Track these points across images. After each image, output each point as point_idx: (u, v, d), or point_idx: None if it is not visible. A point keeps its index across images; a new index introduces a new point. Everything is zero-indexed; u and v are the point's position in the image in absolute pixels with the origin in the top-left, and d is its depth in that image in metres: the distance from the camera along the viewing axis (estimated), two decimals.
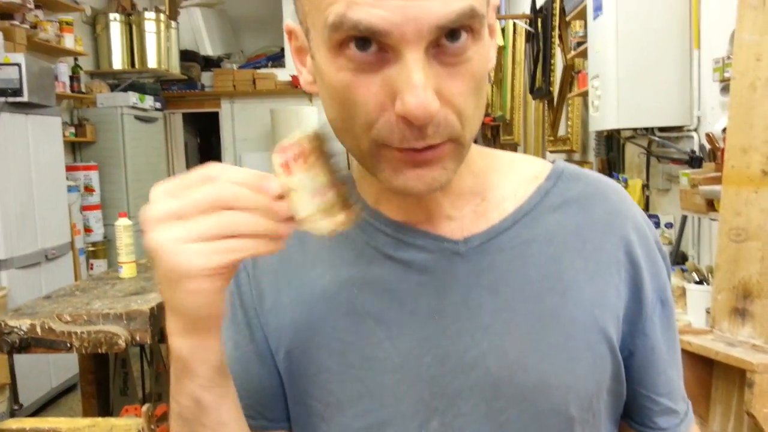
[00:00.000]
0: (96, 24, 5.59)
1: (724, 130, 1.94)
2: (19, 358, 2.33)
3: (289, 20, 0.59)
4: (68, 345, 1.95)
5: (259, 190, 0.47)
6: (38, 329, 1.95)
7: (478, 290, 0.59)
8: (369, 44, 0.48)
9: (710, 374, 1.67)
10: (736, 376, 1.57)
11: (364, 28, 0.46)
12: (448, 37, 0.48)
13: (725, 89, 2.18)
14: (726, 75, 2.15)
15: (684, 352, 1.64)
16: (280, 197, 0.47)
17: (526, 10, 4.67)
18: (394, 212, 0.61)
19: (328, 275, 0.61)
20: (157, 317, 2.03)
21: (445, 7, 0.47)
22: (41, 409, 3.77)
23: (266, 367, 0.63)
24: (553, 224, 0.61)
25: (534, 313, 0.58)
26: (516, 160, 0.67)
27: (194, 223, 0.45)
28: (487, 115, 5.56)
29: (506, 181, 0.63)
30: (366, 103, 0.50)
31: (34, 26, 4.27)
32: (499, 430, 0.57)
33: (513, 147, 5.43)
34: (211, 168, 0.47)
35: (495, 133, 5.87)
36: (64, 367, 3.91)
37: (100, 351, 1.96)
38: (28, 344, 1.97)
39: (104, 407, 2.49)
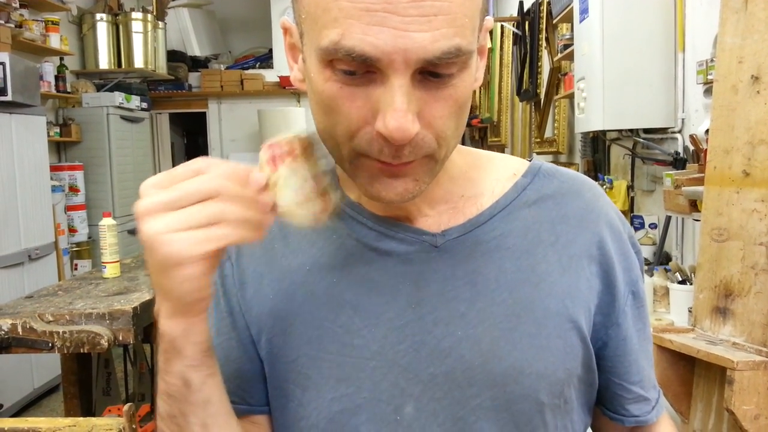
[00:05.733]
0: (82, 24, 5.55)
1: (707, 131, 1.96)
2: (0, 359, 2.30)
3: (286, 17, 0.60)
4: (50, 345, 1.93)
5: (244, 183, 0.51)
6: (19, 329, 1.93)
7: (455, 281, 0.61)
8: (355, 71, 0.50)
9: (692, 372, 1.69)
10: (717, 373, 1.58)
11: (356, 56, 0.49)
12: (432, 70, 0.50)
13: (708, 91, 2.20)
14: (709, 77, 2.18)
15: (666, 350, 1.67)
16: (264, 189, 0.52)
17: (514, 12, 4.69)
18: (376, 207, 0.64)
19: (309, 265, 0.63)
20: (140, 317, 2.02)
21: (433, 44, 0.49)
22: (23, 410, 3.73)
23: (247, 353, 0.65)
24: (528, 219, 0.64)
25: (508, 303, 0.60)
26: (494, 158, 0.70)
27: (182, 212, 0.49)
28: (474, 117, 5.58)
29: (485, 178, 0.66)
30: (349, 114, 0.52)
31: (19, 25, 4.23)
32: (472, 415, 0.59)
33: (500, 148, 5.45)
34: (198, 162, 0.51)
35: (482, 134, 5.89)
36: (47, 367, 3.87)
37: (82, 351, 1.95)
38: (8, 344, 1.95)
39: (87, 408, 2.47)
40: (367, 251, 0.62)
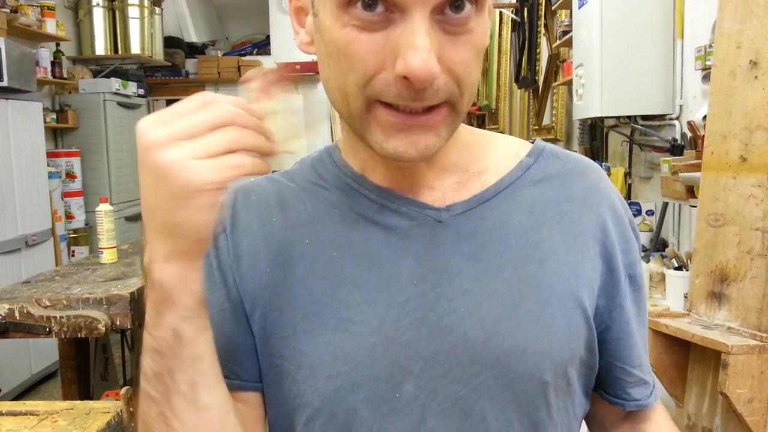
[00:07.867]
0: (78, 9, 5.50)
1: (705, 118, 1.96)
2: None
3: None
4: (47, 330, 1.93)
5: (250, 112, 0.50)
6: (16, 314, 1.93)
7: (459, 257, 0.60)
8: (376, 4, 0.49)
9: (687, 356, 1.69)
10: (712, 357, 1.59)
11: None
12: (452, 8, 0.50)
13: (707, 77, 2.20)
14: (708, 63, 2.17)
15: (661, 334, 1.68)
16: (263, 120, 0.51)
17: None
18: (379, 180, 0.62)
19: (308, 239, 0.62)
20: (137, 302, 2.02)
21: None
22: (21, 395, 3.74)
23: (240, 327, 0.62)
24: (533, 197, 0.63)
25: (512, 281, 0.59)
26: (497, 137, 0.69)
27: (200, 141, 0.47)
28: (472, 104, 5.57)
29: (489, 156, 0.65)
30: (365, 60, 0.51)
31: (14, 11, 4.20)
32: (474, 394, 0.58)
33: None
34: (203, 95, 0.50)
35: (481, 122, 5.88)
36: (45, 353, 3.87)
37: (79, 336, 1.95)
38: (6, 329, 1.95)
39: (85, 393, 2.47)
40: (368, 225, 0.61)
